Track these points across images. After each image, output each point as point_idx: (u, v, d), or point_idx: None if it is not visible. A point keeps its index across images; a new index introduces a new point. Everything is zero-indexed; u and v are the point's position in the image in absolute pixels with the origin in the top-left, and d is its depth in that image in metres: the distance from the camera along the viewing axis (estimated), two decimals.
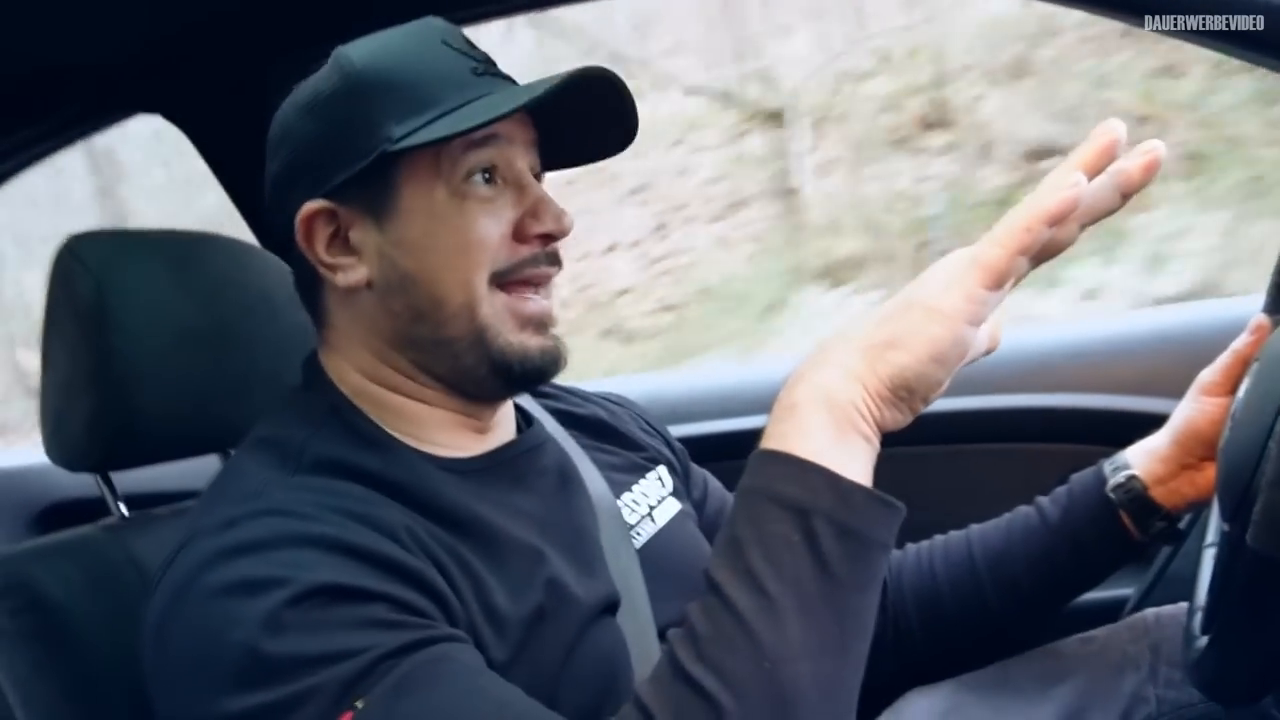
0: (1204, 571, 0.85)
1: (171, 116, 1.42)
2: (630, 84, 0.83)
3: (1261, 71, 0.87)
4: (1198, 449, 0.93)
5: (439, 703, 0.64)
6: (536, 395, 1.01)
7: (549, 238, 0.83)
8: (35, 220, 5.00)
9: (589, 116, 0.85)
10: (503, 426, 0.91)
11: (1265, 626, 0.73)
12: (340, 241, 0.82)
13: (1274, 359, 0.79)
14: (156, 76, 1.36)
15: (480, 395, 0.86)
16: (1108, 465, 0.97)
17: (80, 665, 0.89)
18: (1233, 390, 0.90)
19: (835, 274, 4.64)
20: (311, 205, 0.81)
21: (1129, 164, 0.65)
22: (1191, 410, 0.93)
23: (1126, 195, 0.66)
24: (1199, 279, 3.32)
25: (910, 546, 1.06)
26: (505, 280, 0.81)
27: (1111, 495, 0.95)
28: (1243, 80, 3.84)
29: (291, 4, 1.28)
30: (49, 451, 1.00)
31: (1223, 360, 0.93)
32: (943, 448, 1.38)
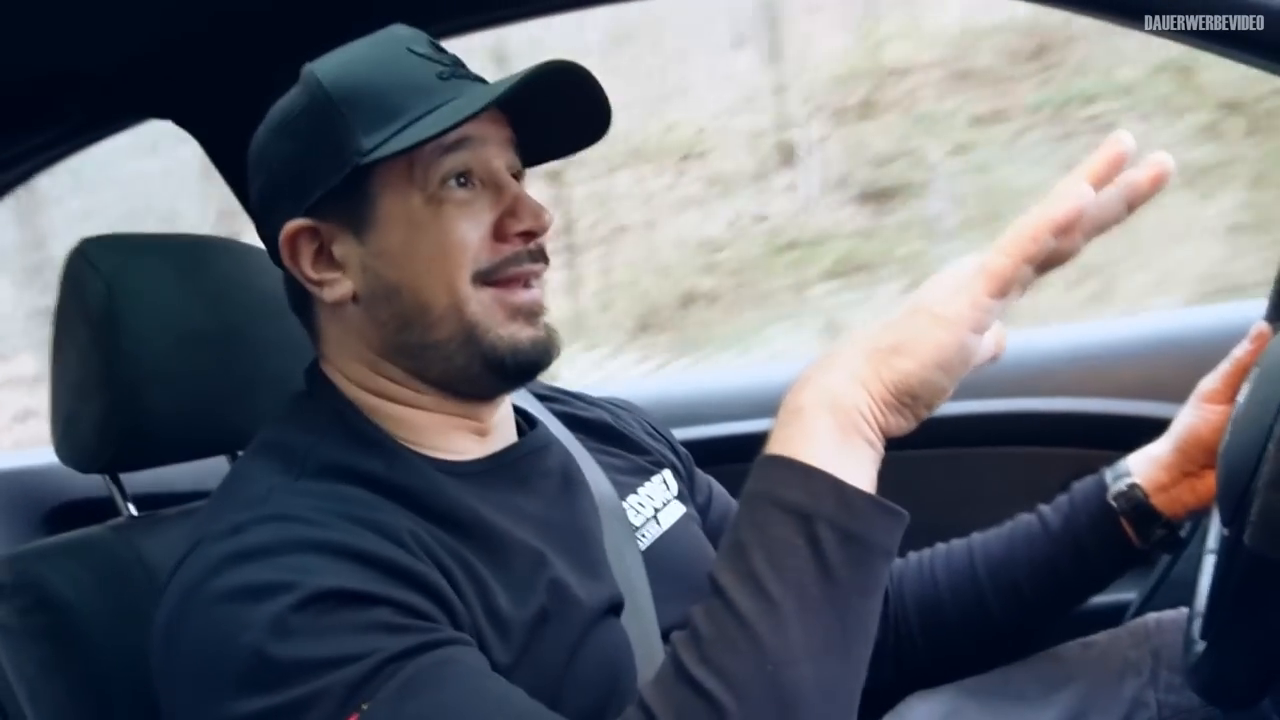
0: (1204, 578, 0.85)
1: (180, 121, 1.42)
2: None
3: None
4: (1199, 456, 0.93)
5: (444, 705, 0.64)
6: (541, 399, 1.01)
7: (530, 235, 0.82)
8: None
9: (562, 109, 0.84)
10: (503, 428, 0.91)
11: (1262, 628, 0.73)
12: (324, 257, 0.83)
13: (1274, 365, 0.79)
14: (165, 82, 1.37)
15: (476, 394, 0.86)
16: (1109, 473, 0.97)
17: (88, 664, 0.89)
18: (1234, 398, 0.90)
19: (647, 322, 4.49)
20: (293, 224, 0.82)
21: (1137, 176, 0.66)
22: (1193, 418, 0.94)
23: (1133, 206, 0.66)
24: None
25: (911, 554, 1.06)
26: (490, 279, 0.81)
27: (1113, 503, 0.95)
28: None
29: (297, 9, 1.28)
30: (59, 452, 1.01)
31: (1223, 368, 0.93)
32: (944, 451, 1.38)
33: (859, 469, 0.65)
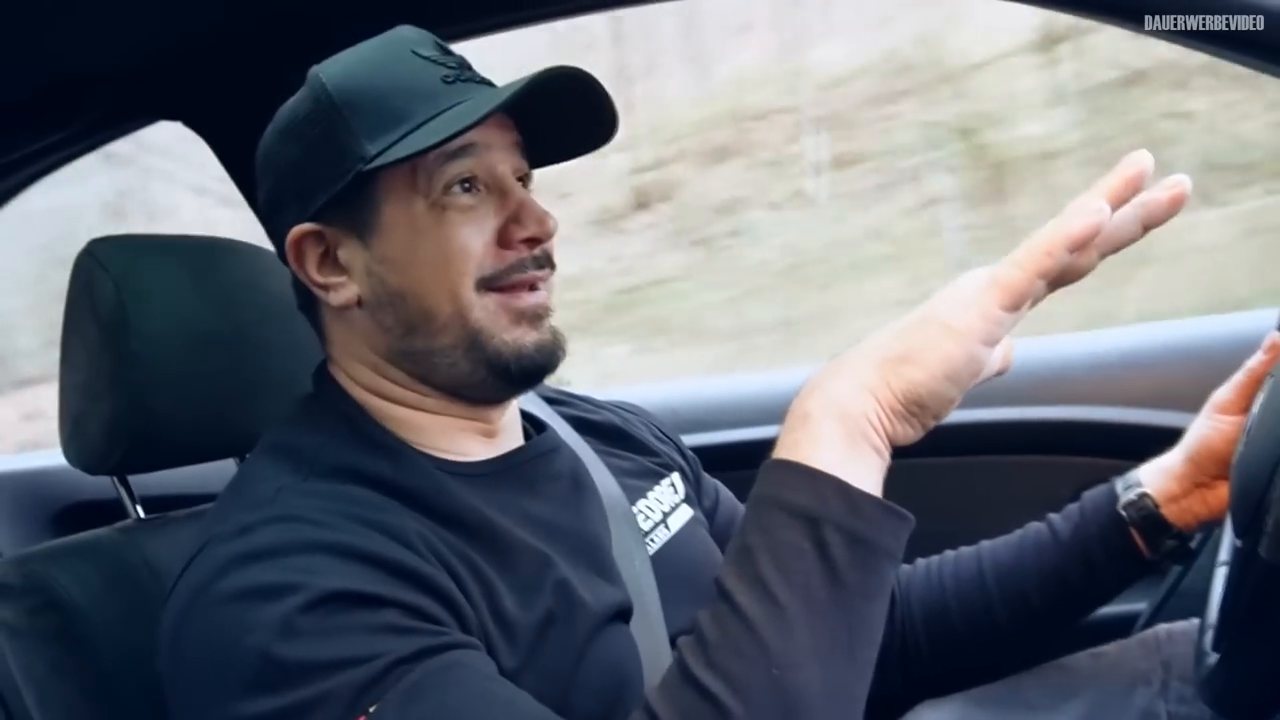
0: (1216, 589, 0.84)
1: (191, 123, 1.43)
2: None
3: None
4: (1211, 467, 0.92)
5: (450, 709, 0.64)
6: (549, 402, 1.01)
7: (534, 241, 0.82)
8: None
9: (568, 113, 0.84)
10: (510, 430, 0.91)
11: (1276, 640, 0.73)
12: (330, 261, 0.83)
13: None
14: (177, 84, 1.38)
15: (482, 398, 0.86)
16: (1120, 483, 0.97)
17: (96, 666, 0.89)
18: (1247, 408, 0.89)
19: None
20: (299, 228, 0.82)
21: (1155, 196, 0.66)
22: (1205, 428, 0.93)
23: (1149, 227, 0.66)
24: None
25: (920, 561, 1.06)
26: (494, 285, 0.81)
27: (1123, 512, 0.94)
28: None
29: (307, 13, 1.29)
30: (67, 454, 1.01)
31: (1237, 378, 0.93)
32: (954, 459, 1.38)
33: (866, 475, 0.65)
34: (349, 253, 0.82)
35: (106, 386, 0.94)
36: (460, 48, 0.88)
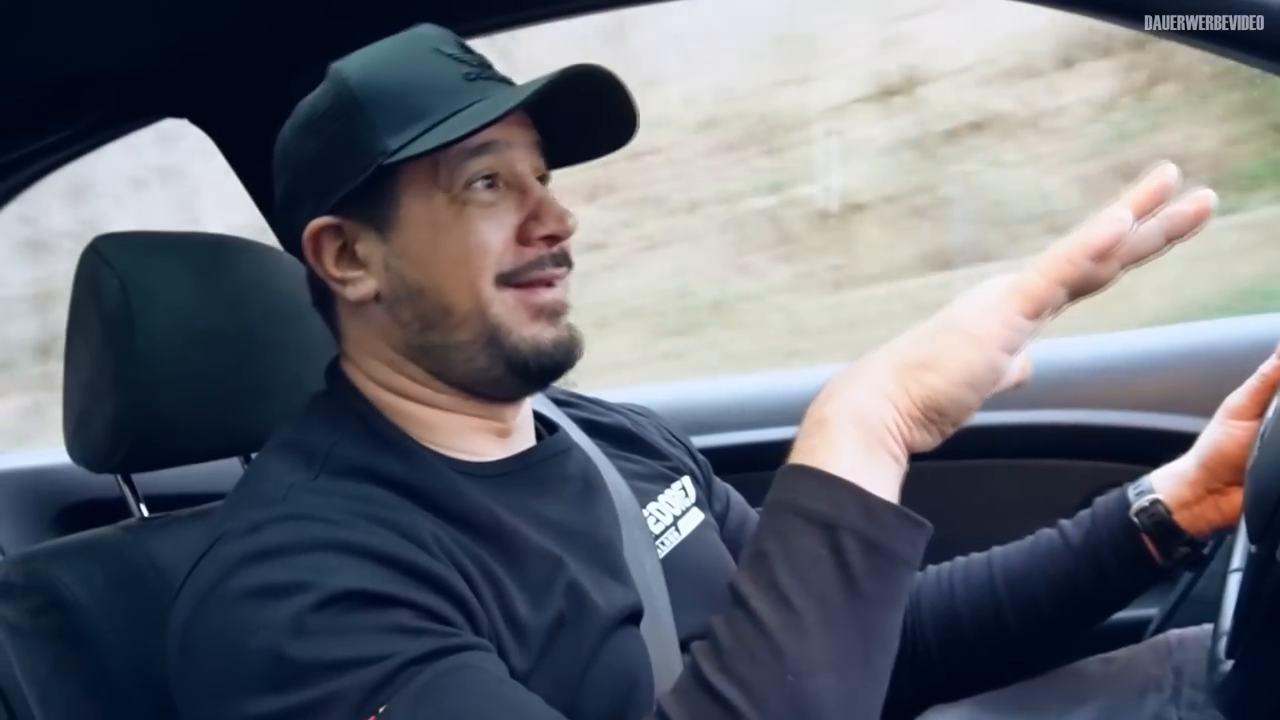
0: (1229, 596, 0.84)
1: (197, 120, 1.43)
2: None
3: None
4: (1224, 473, 0.92)
5: (461, 711, 0.64)
6: (559, 404, 1.01)
7: (553, 239, 0.82)
8: None
9: (588, 113, 0.84)
10: (524, 430, 0.90)
11: None
12: (347, 255, 0.83)
13: None
14: (184, 82, 1.37)
15: (498, 396, 0.86)
16: (1131, 489, 0.96)
17: (99, 665, 0.89)
18: (1260, 414, 0.89)
19: None
20: (317, 222, 0.82)
21: (1180, 209, 0.65)
22: (1218, 434, 0.93)
23: (1172, 239, 0.66)
24: None
25: (930, 567, 1.05)
26: (512, 281, 0.81)
27: (1135, 519, 0.94)
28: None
29: (314, 13, 1.29)
30: (71, 452, 1.00)
31: (1250, 384, 0.92)
32: (965, 463, 1.37)
33: (882, 481, 0.64)
34: (367, 247, 0.82)
35: (110, 385, 0.94)
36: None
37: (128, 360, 0.93)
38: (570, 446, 0.92)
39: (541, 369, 0.82)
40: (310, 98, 0.85)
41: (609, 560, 0.85)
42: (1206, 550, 0.95)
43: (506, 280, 0.81)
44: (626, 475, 0.94)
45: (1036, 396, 1.39)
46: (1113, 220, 0.63)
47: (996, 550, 1.03)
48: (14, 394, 3.93)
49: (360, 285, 0.82)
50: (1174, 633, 1.00)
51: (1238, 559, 0.85)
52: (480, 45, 0.88)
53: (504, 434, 0.88)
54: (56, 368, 1.02)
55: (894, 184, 3.24)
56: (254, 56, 1.34)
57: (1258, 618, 0.74)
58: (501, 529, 0.79)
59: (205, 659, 0.69)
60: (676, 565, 0.90)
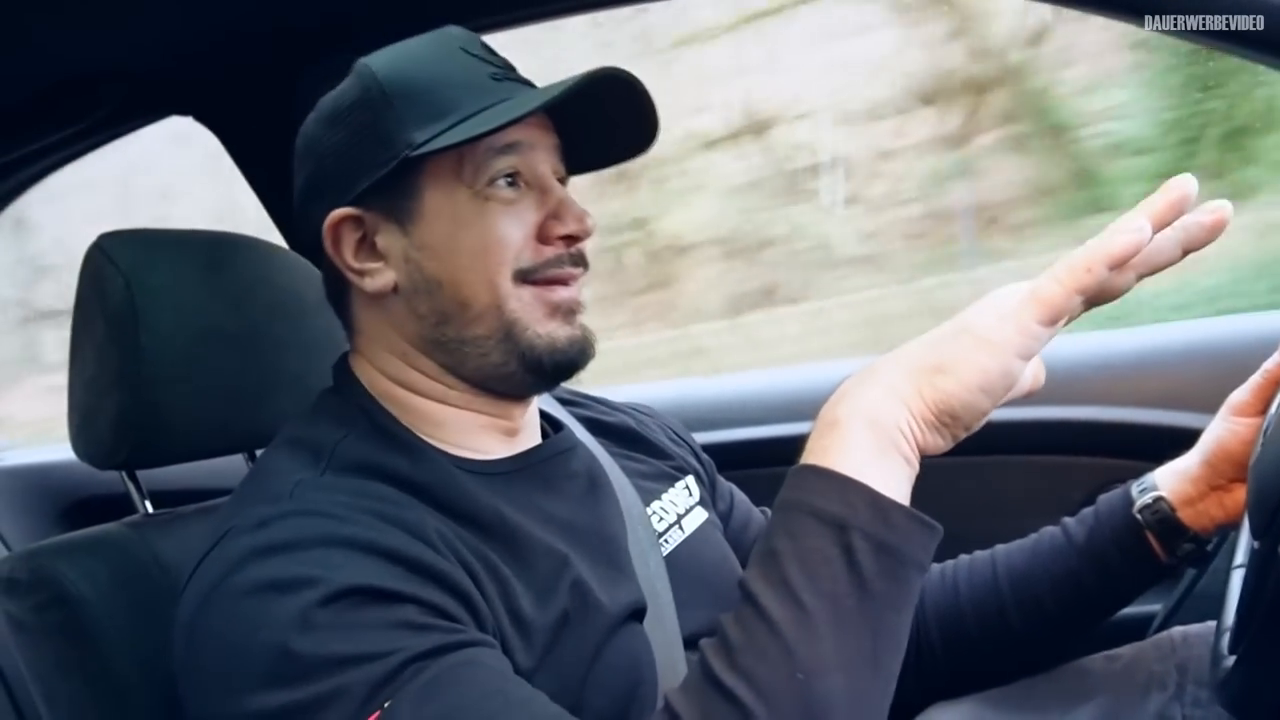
0: (1232, 592, 0.84)
1: (203, 119, 1.43)
2: None
3: None
4: (1228, 470, 0.91)
5: (465, 706, 0.64)
6: (564, 403, 1.01)
7: (572, 239, 0.83)
8: None
9: (609, 118, 0.85)
10: (530, 429, 0.91)
11: None
12: (367, 247, 0.84)
13: None
14: (191, 81, 1.38)
15: (509, 393, 0.86)
16: (1135, 486, 0.96)
17: (104, 661, 0.89)
18: (1263, 410, 0.89)
19: None
20: (338, 212, 0.83)
21: (1196, 219, 0.66)
22: (1222, 430, 0.92)
23: (1188, 251, 0.67)
24: None
25: (934, 565, 1.05)
26: (530, 278, 0.82)
27: (1138, 516, 0.94)
28: None
29: (320, 13, 1.29)
30: (76, 448, 1.00)
31: (1254, 380, 0.92)
32: (968, 459, 1.36)
33: (894, 484, 0.64)
34: (387, 239, 0.83)
35: (115, 381, 0.94)
36: None
37: (132, 357, 0.94)
38: (575, 444, 0.92)
39: (556, 366, 0.83)
40: (335, 91, 0.86)
41: (613, 558, 0.85)
42: (1210, 547, 0.95)
43: (524, 277, 0.82)
44: (630, 474, 0.94)
45: (1041, 393, 1.37)
46: (1131, 230, 0.63)
47: (1000, 548, 1.02)
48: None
49: (378, 277, 0.83)
50: (1178, 629, 1.00)
51: (1240, 555, 0.85)
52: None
53: (511, 433, 0.88)
54: None
55: (731, 224, 3.32)
56: (260, 55, 1.34)
57: (1260, 613, 0.74)
58: (507, 527, 0.79)
59: (211, 654, 0.69)
60: (680, 563, 0.90)
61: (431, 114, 0.80)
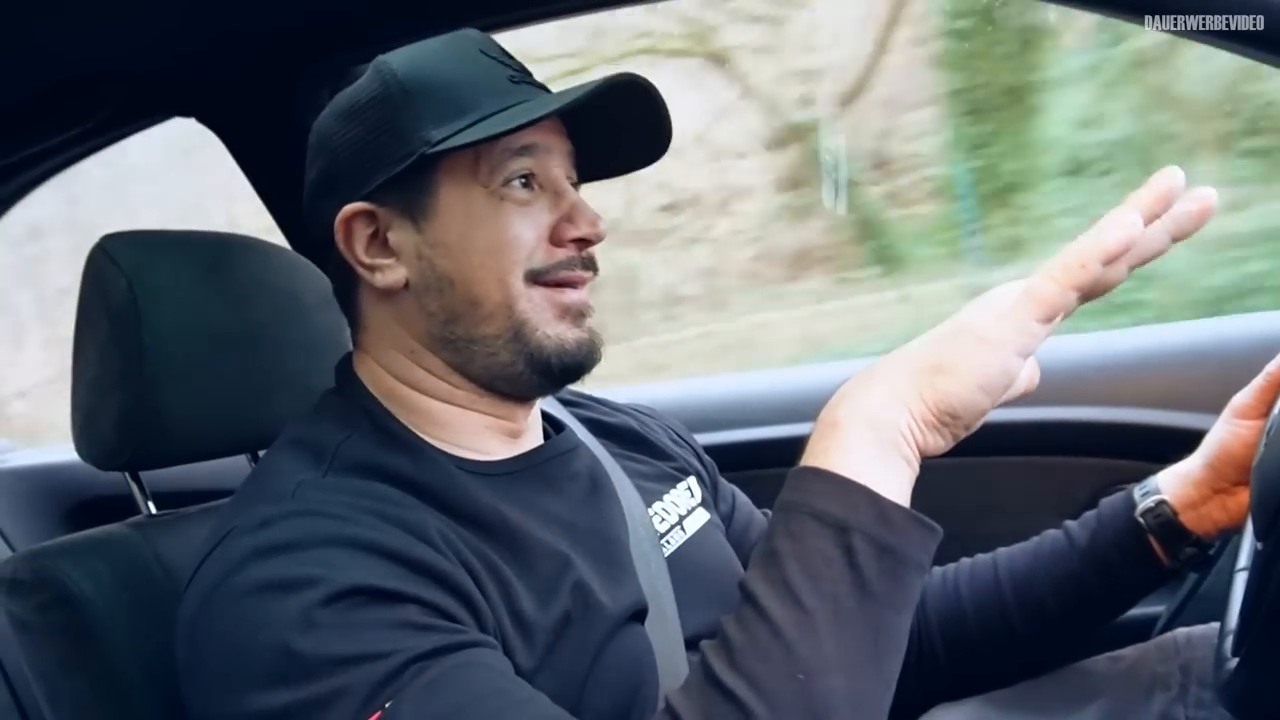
0: (1235, 595, 0.83)
1: (204, 120, 1.43)
2: None
3: None
4: (1230, 473, 0.91)
5: (466, 707, 0.64)
6: (566, 404, 1.02)
7: (584, 242, 0.84)
8: None
9: (623, 126, 0.86)
10: (532, 430, 0.91)
11: None
12: (379, 243, 0.84)
13: None
14: (193, 82, 1.38)
15: (515, 394, 0.86)
16: (1137, 490, 0.96)
17: (107, 661, 0.89)
18: (1266, 413, 0.89)
19: None
20: (351, 207, 0.83)
21: (1184, 208, 0.66)
22: (1224, 433, 0.92)
23: (1177, 239, 0.67)
24: None
25: (936, 568, 1.05)
26: (542, 279, 0.82)
27: (1140, 520, 0.94)
28: None
29: (321, 14, 1.29)
30: (79, 449, 1.00)
31: (1256, 383, 0.92)
32: (971, 460, 1.36)
33: (895, 486, 0.64)
34: (400, 235, 0.83)
35: (117, 382, 0.94)
36: None
37: (135, 358, 0.94)
38: (577, 445, 0.92)
39: (564, 368, 0.83)
40: (352, 87, 0.87)
41: (615, 558, 0.85)
42: (1212, 551, 0.95)
43: (536, 277, 0.82)
44: (632, 475, 0.95)
45: (1044, 393, 1.36)
46: (1124, 224, 0.63)
47: (1001, 551, 1.02)
48: None
49: (390, 273, 0.83)
50: (1181, 631, 1.00)
51: (1244, 558, 0.85)
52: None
53: (514, 434, 0.88)
54: None
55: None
56: (262, 56, 1.34)
57: (1263, 615, 0.74)
58: (508, 527, 0.79)
59: (213, 653, 0.69)
60: (681, 564, 0.90)
61: (450, 112, 0.80)
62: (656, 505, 0.94)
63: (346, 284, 0.88)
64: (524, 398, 0.88)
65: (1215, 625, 0.89)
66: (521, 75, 0.85)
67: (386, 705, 0.63)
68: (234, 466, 1.07)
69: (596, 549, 0.84)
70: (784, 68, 2.99)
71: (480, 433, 0.86)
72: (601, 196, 0.88)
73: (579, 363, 0.84)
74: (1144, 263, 0.67)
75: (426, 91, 0.81)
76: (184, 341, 0.96)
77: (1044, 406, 1.38)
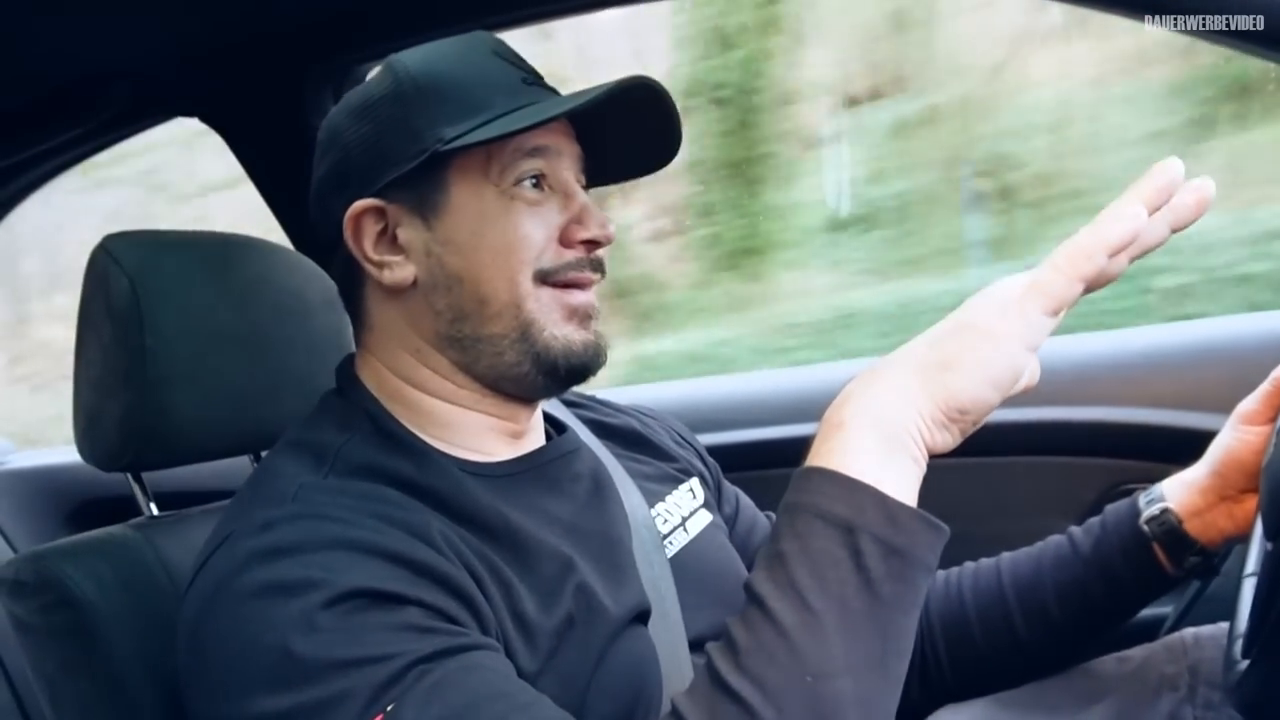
0: (1244, 599, 0.83)
1: (208, 120, 1.43)
2: None
3: None
4: (1238, 480, 0.91)
5: (468, 709, 0.64)
6: (569, 405, 1.01)
7: (593, 244, 0.84)
8: None
9: (632, 131, 0.86)
10: (534, 432, 0.91)
11: None
12: (388, 240, 0.84)
13: None
14: (195, 82, 1.38)
15: (520, 394, 0.86)
16: (1142, 497, 0.95)
17: (109, 662, 0.89)
18: (1273, 418, 0.88)
19: None
20: (361, 203, 0.83)
21: (1182, 199, 0.66)
22: (1231, 440, 0.92)
23: (1176, 229, 0.67)
24: None
25: (939, 573, 1.04)
26: (550, 279, 0.82)
27: (1145, 528, 0.93)
28: None
29: (325, 15, 1.29)
30: (81, 450, 1.00)
31: (1263, 389, 0.91)
32: (980, 460, 1.36)
33: (901, 485, 0.64)
34: (409, 232, 0.83)
35: (120, 383, 0.94)
36: None
37: (137, 359, 0.93)
38: (579, 446, 0.92)
39: (570, 369, 0.83)
40: (364, 86, 0.87)
41: (618, 560, 0.85)
42: (1217, 560, 0.94)
43: (544, 278, 0.82)
44: (635, 476, 0.94)
45: (1053, 393, 1.37)
46: (1128, 216, 0.63)
47: (1005, 556, 1.02)
48: None
49: (398, 270, 0.83)
50: (1189, 631, 0.99)
51: (1252, 563, 0.84)
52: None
53: (517, 435, 0.88)
54: None
55: None
56: (266, 57, 1.34)
57: (1273, 616, 0.74)
58: (511, 530, 0.79)
59: (214, 656, 0.69)
60: (684, 565, 0.90)
61: (463, 111, 0.81)
62: (659, 506, 0.94)
63: (352, 282, 0.87)
64: (528, 398, 0.87)
65: (1223, 625, 0.88)
66: (533, 78, 0.86)
67: (389, 708, 0.63)
68: (237, 467, 1.06)
69: (599, 551, 0.84)
70: None
71: (483, 434, 0.86)
72: None
73: (585, 364, 0.84)
74: (1145, 253, 0.67)
75: (439, 90, 0.81)
76: (187, 342, 0.96)
77: (1053, 406, 1.38)
